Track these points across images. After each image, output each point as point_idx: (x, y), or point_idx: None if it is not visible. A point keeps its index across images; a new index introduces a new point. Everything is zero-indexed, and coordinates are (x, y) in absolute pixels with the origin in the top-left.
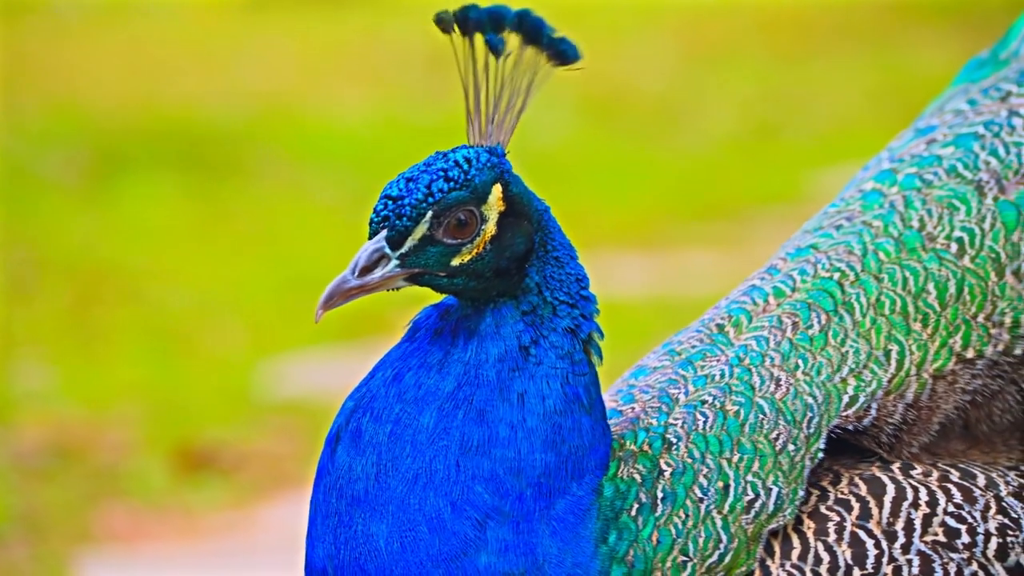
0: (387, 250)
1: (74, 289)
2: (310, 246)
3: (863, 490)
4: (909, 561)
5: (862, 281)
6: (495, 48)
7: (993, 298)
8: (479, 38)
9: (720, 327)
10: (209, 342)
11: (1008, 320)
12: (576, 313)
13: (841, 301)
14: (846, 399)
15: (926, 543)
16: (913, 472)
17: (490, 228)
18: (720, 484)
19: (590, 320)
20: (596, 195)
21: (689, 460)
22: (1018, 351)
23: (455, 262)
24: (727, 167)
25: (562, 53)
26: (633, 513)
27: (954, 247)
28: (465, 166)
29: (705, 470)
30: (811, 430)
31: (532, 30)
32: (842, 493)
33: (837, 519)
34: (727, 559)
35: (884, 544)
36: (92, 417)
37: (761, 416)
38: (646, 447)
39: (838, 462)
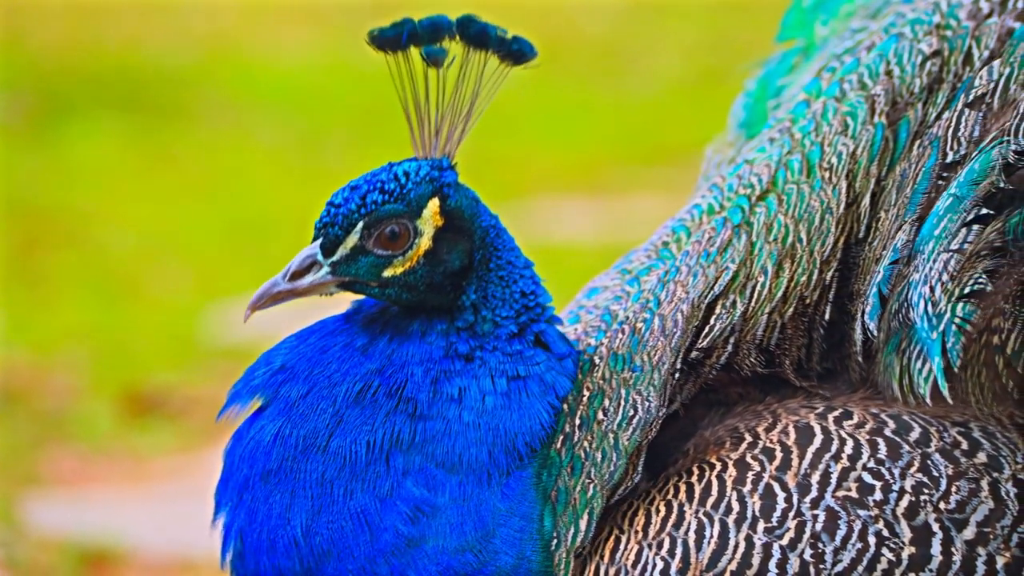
0: (319, 257)
1: (18, 232)
2: (254, 189)
3: (791, 439)
4: (815, 516)
5: (767, 200)
6: (434, 59)
7: (827, 236)
8: (415, 51)
9: (665, 244)
10: (155, 286)
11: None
12: (523, 319)
13: (746, 219)
14: (706, 327)
15: (837, 498)
16: (847, 422)
17: (424, 242)
18: (616, 403)
19: (539, 321)
20: (542, 139)
21: (601, 382)
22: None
23: (387, 273)
24: (673, 112)
25: (516, 53)
26: (558, 445)
27: (827, 173)
28: (403, 179)
29: (609, 390)
30: (675, 345)
31: (477, 36)
32: (770, 442)
33: (757, 468)
34: (616, 476)
35: (795, 498)
36: (38, 361)
37: (650, 333)
38: (579, 374)
39: (784, 404)
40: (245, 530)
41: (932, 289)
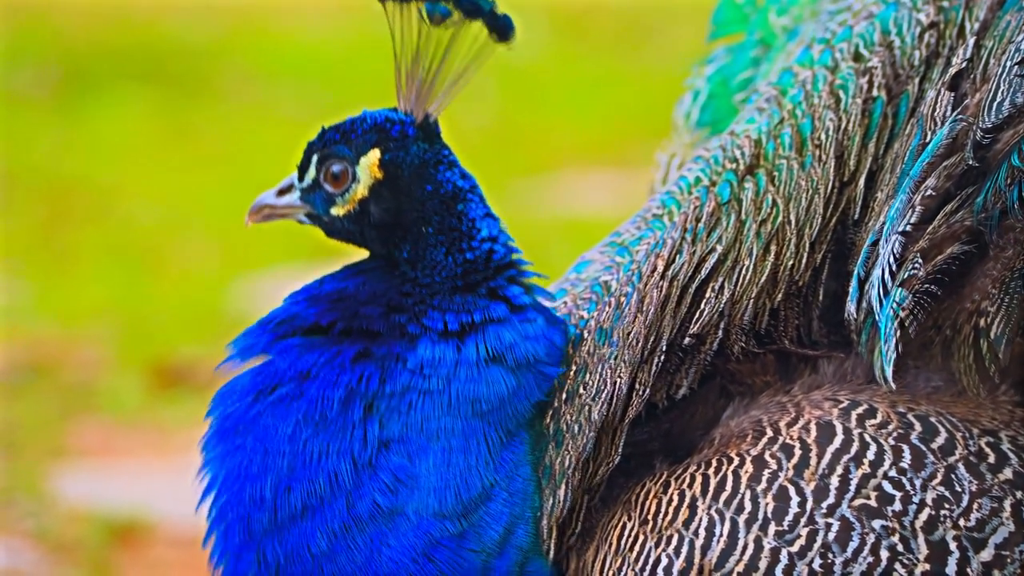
0: (295, 180)
1: (44, 205)
2: (278, 162)
3: (811, 437)
4: (828, 525)
5: (757, 176)
6: (433, 17)
7: (815, 217)
8: (414, 7)
9: (657, 216)
10: (180, 259)
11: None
12: (493, 282)
13: (736, 196)
14: (696, 312)
15: (853, 508)
16: (870, 422)
17: (360, 189)
18: (595, 378)
19: (509, 284)
20: (566, 112)
21: (587, 356)
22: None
23: (333, 211)
24: None
25: (499, 28)
26: (548, 420)
27: (817, 150)
28: (358, 124)
29: (591, 364)
30: (649, 322)
31: (472, 4)
32: (791, 438)
33: (774, 467)
34: (588, 449)
35: (809, 503)
36: (65, 333)
37: (628, 308)
38: (570, 348)
39: (808, 397)
40: (224, 481)
41: (883, 271)
